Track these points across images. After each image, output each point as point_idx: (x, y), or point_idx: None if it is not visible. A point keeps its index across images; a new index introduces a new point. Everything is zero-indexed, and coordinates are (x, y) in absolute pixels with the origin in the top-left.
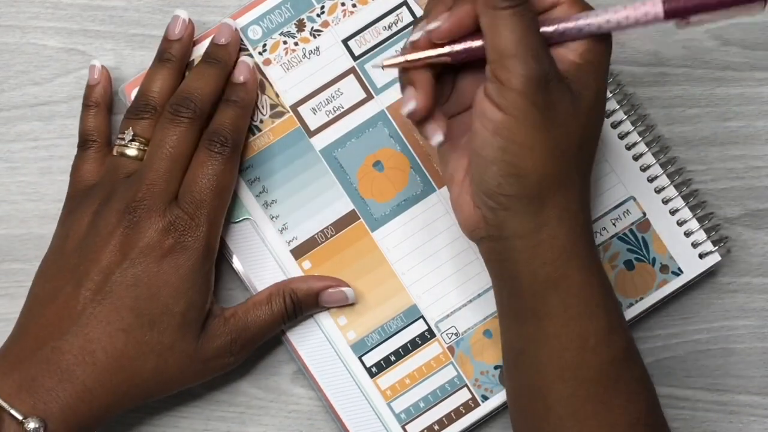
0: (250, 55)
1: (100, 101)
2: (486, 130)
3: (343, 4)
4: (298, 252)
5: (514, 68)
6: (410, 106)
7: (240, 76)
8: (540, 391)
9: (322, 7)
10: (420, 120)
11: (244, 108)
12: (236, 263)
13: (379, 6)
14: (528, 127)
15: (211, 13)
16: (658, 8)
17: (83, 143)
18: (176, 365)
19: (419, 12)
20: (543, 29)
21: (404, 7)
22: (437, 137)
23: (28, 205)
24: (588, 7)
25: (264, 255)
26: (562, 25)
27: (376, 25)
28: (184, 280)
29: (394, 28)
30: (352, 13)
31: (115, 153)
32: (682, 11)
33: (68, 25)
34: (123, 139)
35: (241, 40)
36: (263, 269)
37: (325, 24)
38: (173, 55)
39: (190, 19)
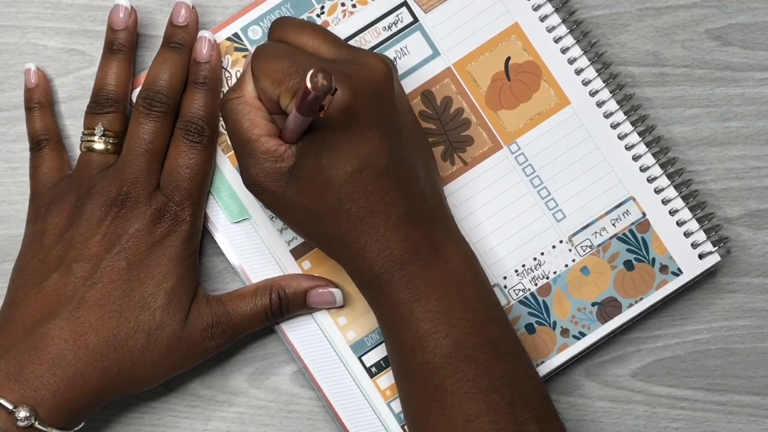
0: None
1: (43, 101)
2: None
3: (343, 5)
4: (298, 252)
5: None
6: None
7: (203, 53)
8: (398, 388)
9: (322, 8)
10: None
11: (213, 89)
12: (236, 263)
13: (379, 6)
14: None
15: (211, 13)
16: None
17: (36, 144)
18: (164, 345)
19: (419, 12)
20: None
21: (404, 8)
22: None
23: (27, 205)
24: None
25: (264, 255)
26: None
27: (376, 25)
28: (172, 260)
29: (394, 29)
30: (352, 13)
31: (83, 149)
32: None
33: (68, 25)
34: (93, 134)
35: (241, 40)
36: (263, 269)
37: (325, 24)
38: (122, 44)
39: (132, 6)
